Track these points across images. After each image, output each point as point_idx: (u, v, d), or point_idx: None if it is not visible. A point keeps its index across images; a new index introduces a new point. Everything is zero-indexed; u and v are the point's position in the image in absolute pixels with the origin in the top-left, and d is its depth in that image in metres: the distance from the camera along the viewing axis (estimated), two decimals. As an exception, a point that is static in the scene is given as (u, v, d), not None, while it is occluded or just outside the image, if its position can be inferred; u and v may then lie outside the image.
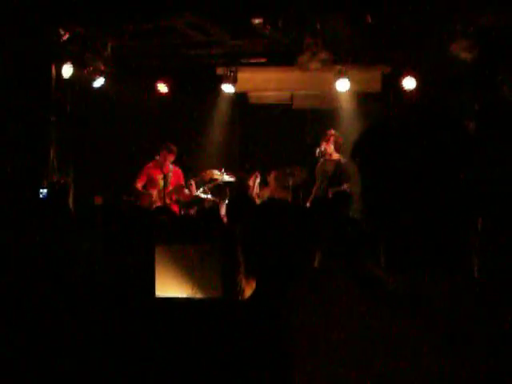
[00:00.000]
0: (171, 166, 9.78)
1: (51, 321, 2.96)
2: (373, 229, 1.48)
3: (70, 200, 9.60)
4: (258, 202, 7.98)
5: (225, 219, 8.86)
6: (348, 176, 8.71)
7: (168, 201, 9.62)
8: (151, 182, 9.89)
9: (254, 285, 2.08)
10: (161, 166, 9.76)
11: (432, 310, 1.32)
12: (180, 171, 9.99)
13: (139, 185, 9.90)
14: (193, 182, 9.79)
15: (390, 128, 1.49)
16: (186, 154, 10.48)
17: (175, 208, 9.64)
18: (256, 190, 9.61)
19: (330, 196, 8.58)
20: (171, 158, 9.77)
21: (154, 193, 9.80)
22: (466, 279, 1.40)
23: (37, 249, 4.12)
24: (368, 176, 1.47)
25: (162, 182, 9.71)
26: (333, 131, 9.31)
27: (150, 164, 9.93)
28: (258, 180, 9.70)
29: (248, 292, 2.09)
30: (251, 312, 1.98)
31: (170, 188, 9.76)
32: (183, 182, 9.89)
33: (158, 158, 9.79)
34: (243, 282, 2.11)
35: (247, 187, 9.53)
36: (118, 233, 5.14)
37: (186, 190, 9.78)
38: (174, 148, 9.77)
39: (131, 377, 2.53)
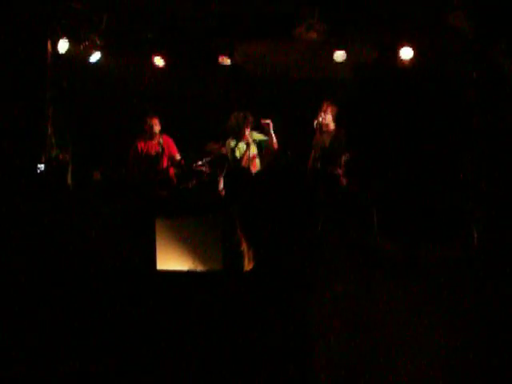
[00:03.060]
0: (161, 139, 9.70)
1: (51, 297, 2.98)
2: (369, 197, 1.48)
3: (69, 176, 9.59)
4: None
5: (223, 192, 8.86)
6: (344, 147, 8.67)
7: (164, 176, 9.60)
8: (143, 157, 9.81)
9: (254, 256, 2.08)
10: (151, 140, 9.72)
11: (431, 278, 1.34)
12: (171, 141, 9.88)
13: (130, 161, 9.84)
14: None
15: (386, 97, 1.50)
16: (184, 128, 10.44)
17: (172, 181, 9.63)
18: (246, 162, 9.49)
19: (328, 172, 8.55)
20: (156, 122, 9.69)
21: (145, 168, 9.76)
22: (465, 248, 1.41)
23: (36, 224, 4.13)
24: (364, 145, 1.48)
25: (154, 157, 9.69)
26: (330, 102, 9.30)
27: (140, 139, 9.85)
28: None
29: (249, 264, 2.10)
30: (253, 284, 1.99)
31: (165, 163, 9.70)
32: (176, 153, 9.85)
33: (147, 130, 9.71)
34: (244, 253, 2.12)
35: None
36: (118, 207, 5.16)
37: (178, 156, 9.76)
38: (154, 116, 9.73)
39: (133, 351, 2.56)
